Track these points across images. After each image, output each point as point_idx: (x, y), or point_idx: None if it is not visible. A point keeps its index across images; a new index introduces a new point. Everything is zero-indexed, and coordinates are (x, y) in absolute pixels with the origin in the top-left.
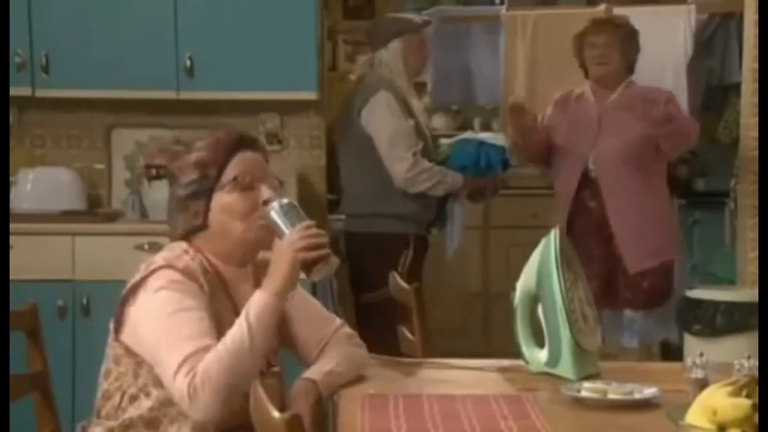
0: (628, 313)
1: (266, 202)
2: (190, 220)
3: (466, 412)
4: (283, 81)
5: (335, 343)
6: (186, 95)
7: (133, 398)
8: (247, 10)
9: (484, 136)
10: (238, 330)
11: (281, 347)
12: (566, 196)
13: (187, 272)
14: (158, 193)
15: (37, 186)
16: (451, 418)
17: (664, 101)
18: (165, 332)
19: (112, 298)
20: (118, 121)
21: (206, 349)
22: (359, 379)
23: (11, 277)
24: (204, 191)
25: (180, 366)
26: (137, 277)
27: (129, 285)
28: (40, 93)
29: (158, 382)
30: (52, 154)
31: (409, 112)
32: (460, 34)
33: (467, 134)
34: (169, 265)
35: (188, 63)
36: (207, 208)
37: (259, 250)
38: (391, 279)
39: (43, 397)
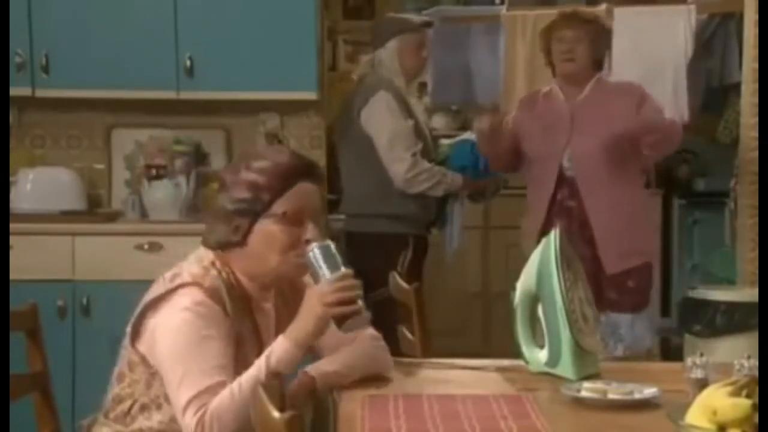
0: (612, 317)
1: (307, 242)
2: (229, 234)
3: (466, 412)
4: (283, 81)
5: (355, 342)
6: (186, 95)
7: (144, 408)
8: (247, 10)
9: None
10: (255, 373)
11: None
12: (542, 197)
13: (212, 293)
14: (158, 193)
15: (37, 186)
16: (451, 418)
17: (638, 100)
18: (182, 360)
19: (113, 298)
20: (118, 121)
21: (220, 385)
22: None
23: (11, 277)
24: (251, 212)
25: (190, 401)
26: (161, 289)
27: (152, 295)
28: (40, 93)
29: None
30: (52, 154)
31: (408, 112)
32: (460, 34)
33: (467, 135)
34: (195, 283)
35: (188, 63)
36: (249, 229)
37: (289, 281)
38: (391, 279)
39: (43, 397)
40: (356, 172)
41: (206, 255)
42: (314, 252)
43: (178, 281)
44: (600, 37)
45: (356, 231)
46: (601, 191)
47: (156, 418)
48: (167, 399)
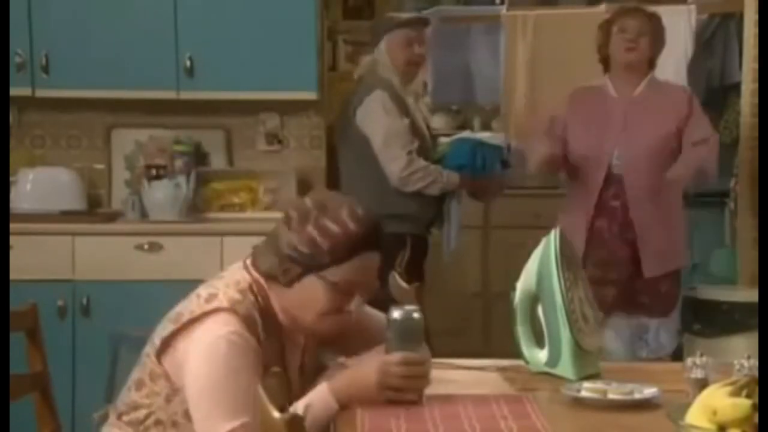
0: (642, 320)
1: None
2: (276, 271)
3: (466, 412)
4: (283, 81)
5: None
6: (186, 95)
7: (159, 423)
8: (247, 10)
9: (482, 135)
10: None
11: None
12: (590, 194)
13: (248, 321)
14: (158, 193)
15: (37, 186)
16: (451, 418)
17: (687, 110)
18: (209, 393)
19: (113, 298)
20: (118, 121)
21: (244, 426)
22: None
23: (11, 277)
24: (305, 266)
25: None
26: (196, 309)
27: (186, 314)
28: (40, 93)
29: (188, 416)
30: (52, 154)
31: (405, 110)
32: (460, 34)
33: (465, 133)
34: (232, 310)
35: (188, 63)
36: (298, 278)
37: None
38: (390, 279)
39: (43, 397)
40: (355, 172)
41: (243, 278)
42: (396, 318)
43: (215, 304)
44: (660, 35)
45: None
46: (646, 193)
47: None
48: (185, 417)
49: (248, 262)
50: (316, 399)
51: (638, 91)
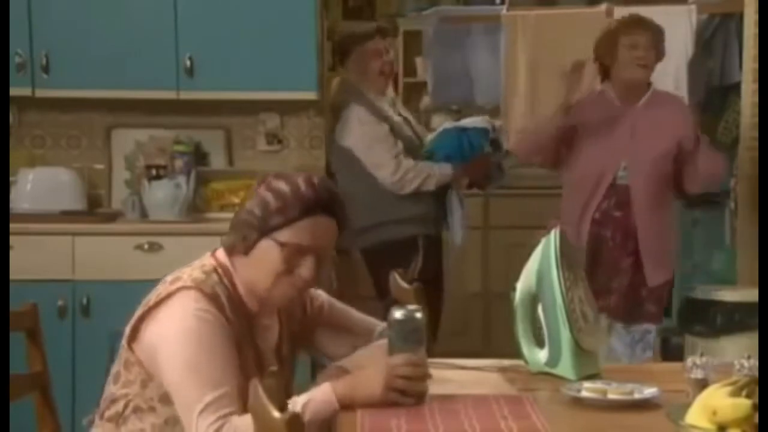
0: (645, 325)
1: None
2: (236, 241)
3: (466, 412)
4: (283, 81)
5: (374, 348)
6: (186, 95)
7: (137, 410)
8: (247, 11)
9: (465, 122)
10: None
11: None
12: (589, 204)
13: (214, 298)
14: (158, 193)
15: (37, 186)
16: (451, 418)
17: (692, 128)
18: (191, 368)
19: (113, 298)
20: (118, 121)
21: (227, 395)
22: None
23: (11, 277)
24: (258, 229)
25: (204, 409)
26: (161, 291)
27: (152, 298)
28: (40, 93)
29: (164, 399)
30: (52, 154)
31: (382, 117)
32: (460, 34)
33: (447, 123)
34: (196, 287)
35: (188, 63)
36: (254, 243)
37: (281, 306)
38: (391, 279)
39: (43, 397)
40: (352, 189)
41: (208, 262)
42: (398, 318)
43: (178, 284)
44: (662, 47)
45: (367, 246)
46: (651, 203)
47: (149, 421)
48: (161, 401)
49: (217, 252)
50: (318, 396)
51: (643, 101)
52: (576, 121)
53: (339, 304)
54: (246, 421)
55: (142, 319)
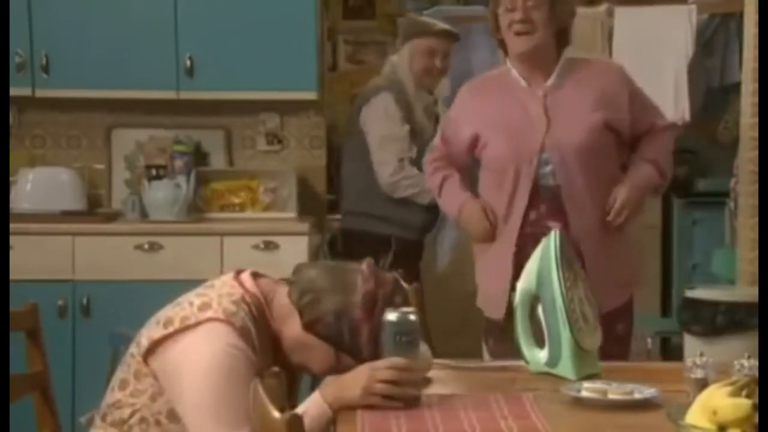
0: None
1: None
2: (307, 310)
3: (466, 412)
4: (283, 81)
5: None
6: (186, 95)
7: (143, 421)
8: (247, 10)
9: None
10: None
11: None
12: (512, 218)
13: (244, 334)
14: (158, 193)
15: (37, 186)
16: (451, 418)
17: (628, 91)
18: (209, 406)
19: (113, 298)
20: (118, 121)
21: None
22: None
23: (11, 277)
24: (335, 341)
25: None
26: (189, 316)
27: (176, 320)
28: (40, 93)
29: (172, 417)
30: (52, 154)
31: (409, 117)
32: (460, 34)
33: None
34: (228, 321)
35: (188, 63)
36: (316, 335)
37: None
38: None
39: (43, 397)
40: (353, 169)
41: (236, 289)
42: (391, 320)
43: (209, 314)
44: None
45: (348, 228)
46: (588, 206)
47: None
48: (169, 418)
49: (242, 276)
50: (311, 407)
51: (553, 80)
52: (472, 116)
53: None
54: None
55: (166, 338)
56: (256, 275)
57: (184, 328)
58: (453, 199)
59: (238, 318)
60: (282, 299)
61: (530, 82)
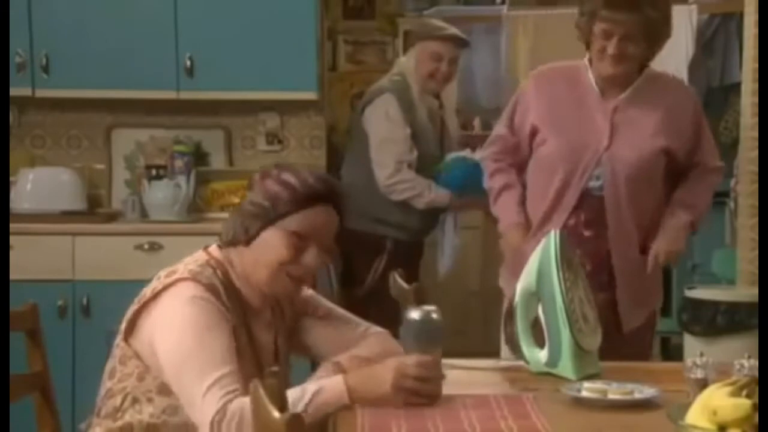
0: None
1: (306, 266)
2: (238, 232)
3: (466, 412)
4: (283, 81)
5: (370, 338)
6: (186, 95)
7: (135, 401)
8: (247, 11)
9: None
10: (299, 397)
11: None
12: (546, 215)
13: (210, 287)
14: (158, 193)
15: (37, 186)
16: (451, 418)
17: (696, 128)
18: (187, 355)
19: (113, 298)
20: (118, 121)
21: (230, 374)
22: None
23: (11, 277)
24: (264, 219)
25: (209, 388)
26: (158, 285)
27: (148, 291)
28: (40, 93)
29: (162, 390)
30: (52, 154)
31: (411, 120)
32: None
33: (465, 152)
34: (193, 279)
35: (188, 63)
36: (257, 233)
37: (280, 299)
38: (391, 280)
39: (43, 397)
40: (353, 169)
41: (202, 256)
42: (415, 318)
43: (175, 277)
44: (657, 29)
45: (345, 227)
46: (629, 221)
47: (147, 411)
48: (159, 392)
49: (209, 248)
50: (329, 387)
51: (629, 92)
52: (539, 105)
53: (331, 305)
54: (241, 404)
55: (138, 314)
56: (222, 246)
57: (154, 297)
58: (506, 215)
59: (203, 276)
60: (240, 258)
61: (604, 91)
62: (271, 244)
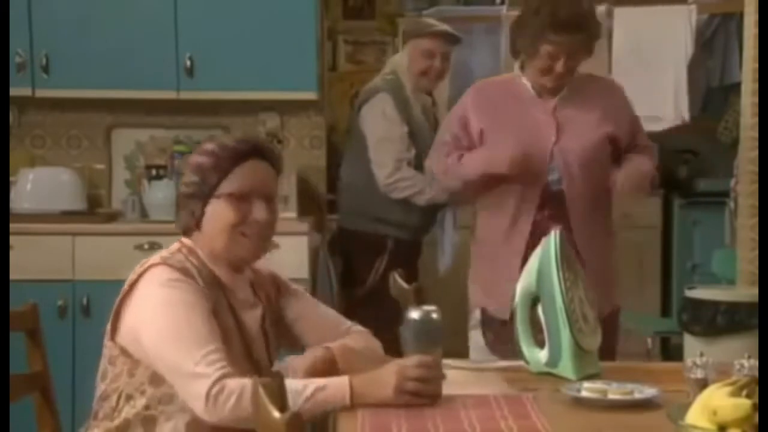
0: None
1: (256, 222)
2: (186, 218)
3: (466, 412)
4: (283, 81)
5: (353, 334)
6: (186, 95)
7: (129, 397)
8: (247, 10)
9: None
10: (299, 390)
11: (284, 348)
12: (522, 219)
13: (183, 270)
14: (158, 193)
15: (37, 186)
16: (451, 418)
17: (630, 119)
18: (174, 332)
19: (112, 298)
20: (118, 121)
21: (217, 350)
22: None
23: (11, 277)
24: (201, 195)
25: (198, 363)
26: (133, 276)
27: (126, 285)
28: (40, 93)
29: (154, 381)
30: (52, 154)
31: (407, 118)
32: (461, 34)
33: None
34: (164, 263)
35: (188, 63)
36: (202, 212)
37: (249, 264)
38: (391, 280)
39: (43, 397)
40: (352, 169)
41: (174, 245)
42: (415, 318)
43: (146, 265)
44: (592, 44)
45: (346, 228)
46: (588, 211)
47: (141, 403)
48: (151, 383)
49: (183, 239)
50: (333, 385)
51: (564, 92)
52: (485, 119)
53: (312, 299)
54: (242, 383)
55: (119, 308)
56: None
57: (130, 288)
58: (479, 157)
59: (175, 260)
60: (201, 241)
61: (540, 93)
62: (217, 214)
